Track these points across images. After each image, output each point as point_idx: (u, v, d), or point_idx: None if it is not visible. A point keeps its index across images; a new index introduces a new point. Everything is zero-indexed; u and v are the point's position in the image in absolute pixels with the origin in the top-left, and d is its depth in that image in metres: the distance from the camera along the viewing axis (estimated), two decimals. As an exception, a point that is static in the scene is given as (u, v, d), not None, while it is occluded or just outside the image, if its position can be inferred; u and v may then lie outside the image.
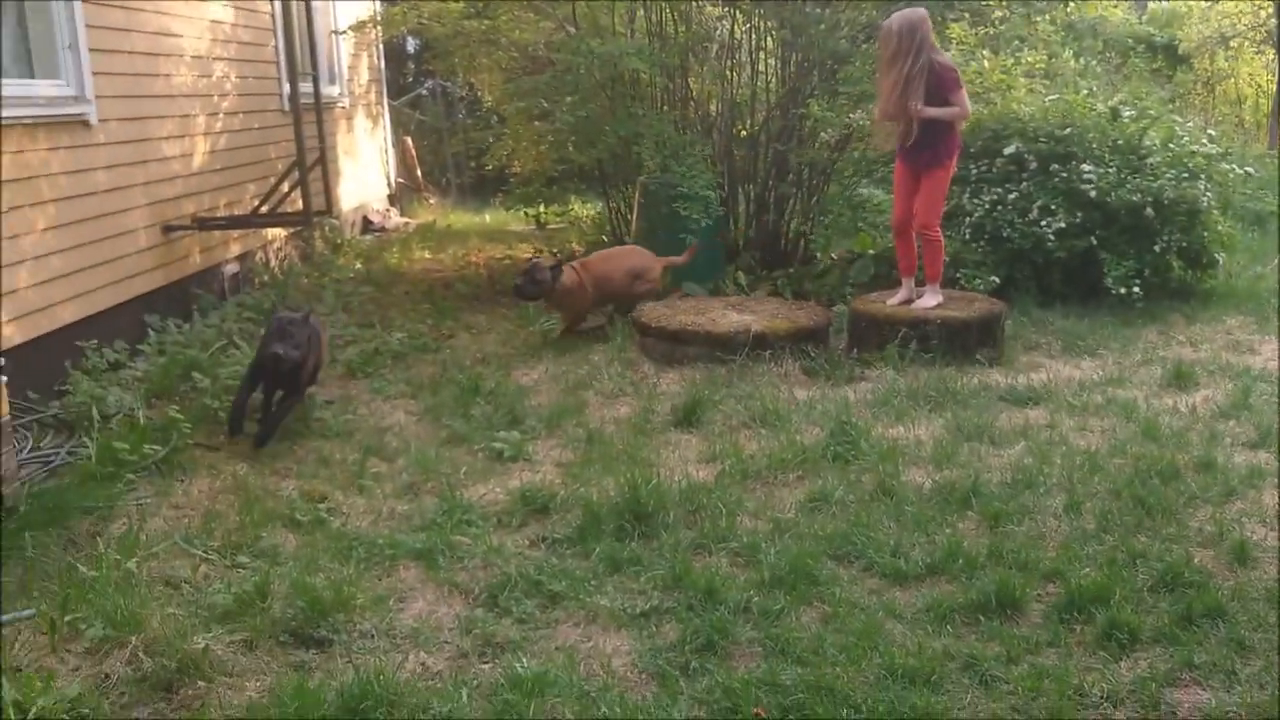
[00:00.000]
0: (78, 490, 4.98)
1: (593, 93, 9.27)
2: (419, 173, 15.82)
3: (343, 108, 12.59)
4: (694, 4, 9.69)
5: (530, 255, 8.01)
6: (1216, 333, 7.86)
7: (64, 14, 6.61)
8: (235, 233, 8.90)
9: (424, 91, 17.10)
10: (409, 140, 15.67)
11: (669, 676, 3.61)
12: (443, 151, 16.61)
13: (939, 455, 5.48)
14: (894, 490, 5.04)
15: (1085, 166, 8.47)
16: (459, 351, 7.68)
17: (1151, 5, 20.15)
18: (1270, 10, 17.16)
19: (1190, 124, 9.49)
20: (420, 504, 5.04)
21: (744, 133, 9.95)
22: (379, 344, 7.65)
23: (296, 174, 8.40)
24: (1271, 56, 17.81)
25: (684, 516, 4.82)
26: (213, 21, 8.74)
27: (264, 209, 8.61)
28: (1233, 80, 18.62)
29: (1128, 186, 8.35)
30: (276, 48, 9.94)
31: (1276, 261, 9.58)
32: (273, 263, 9.96)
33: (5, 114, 5.96)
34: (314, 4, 9.90)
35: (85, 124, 6.76)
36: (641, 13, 9.69)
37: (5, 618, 3.91)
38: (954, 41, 9.20)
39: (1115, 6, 14.39)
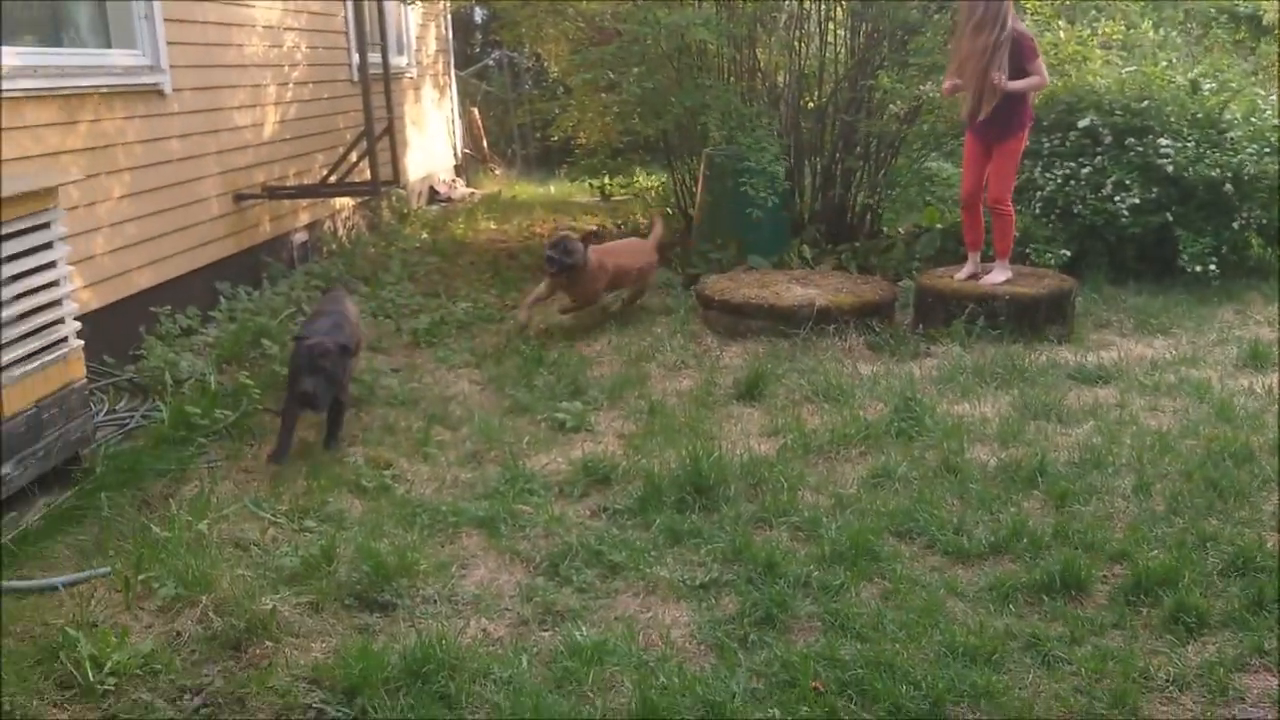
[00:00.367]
0: (151, 453, 5.10)
1: (659, 63, 9.22)
2: (485, 143, 15.90)
3: (410, 78, 12.66)
4: (762, -27, 9.59)
5: (558, 227, 7.73)
6: (1296, 312, 7.66)
7: (140, -15, 6.72)
8: (304, 202, 9.02)
9: (491, 62, 17.14)
10: (475, 111, 15.74)
11: (727, 648, 3.62)
12: (508, 122, 16.67)
13: (1005, 433, 5.41)
14: (958, 467, 4.98)
15: (1163, 141, 8.27)
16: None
17: (1235, -26, 19.55)
18: (1361, -21, 16.54)
19: (1274, 97, 9.19)
20: (483, 472, 5.09)
21: (811, 105, 9.84)
22: (444, 314, 7.71)
23: (364, 144, 8.48)
24: (1361, 27, 17.20)
25: (745, 490, 4.81)
26: (284, -8, 8.83)
27: (332, 179, 8.70)
28: (1320, 52, 18.01)
29: (1206, 161, 8.14)
30: (345, 18, 10.02)
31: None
32: (340, 232, 10.08)
33: (83, 83, 6.08)
34: (383, -26, 9.95)
35: (160, 93, 6.88)
36: (709, -18, 9.61)
37: (82, 575, 4.03)
38: (1028, 11, 9.00)
39: (1197, -25, 13.97)
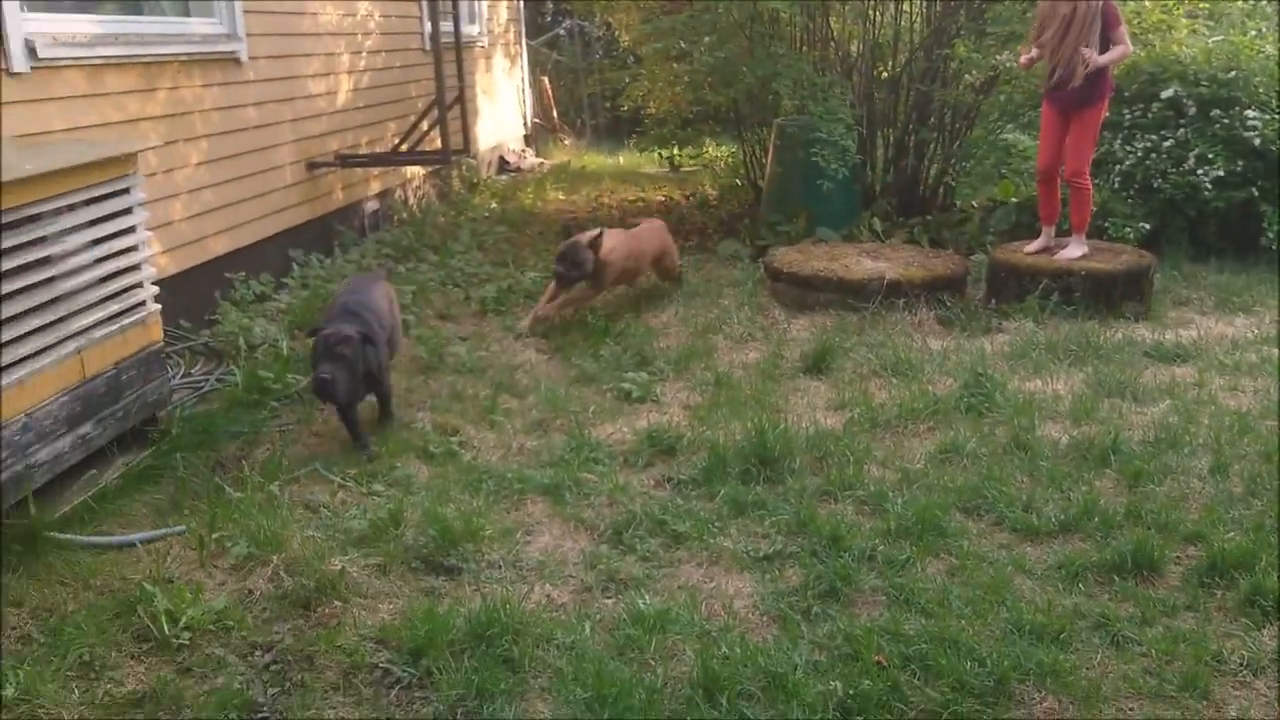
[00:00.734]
0: (225, 415, 5.21)
1: (731, 32, 9.14)
2: (555, 113, 15.90)
3: (482, 47, 12.69)
4: (837, -59, 9.44)
5: (567, 222, 7.25)
6: (1387, 292, 7.41)
7: (217, -47, 6.81)
8: (376, 170, 9.10)
9: (561, 31, 17.13)
10: (546, 80, 15.75)
11: (790, 620, 3.61)
12: (578, 92, 16.65)
13: (1078, 410, 5.31)
14: (1029, 444, 4.91)
15: (1250, 112, 8.03)
16: (590, 292, 7.72)
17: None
18: None
19: (1369, 68, 8.86)
20: (549, 441, 5.11)
21: (885, 74, 9.70)
22: (512, 283, 7.75)
23: (436, 113, 8.52)
24: None
25: (810, 463, 4.78)
26: (358, -39, 8.88)
27: (404, 147, 8.77)
28: None
29: (1295, 134, 7.88)
30: (418, -13, 10.07)
31: None
32: (411, 200, 10.16)
33: (162, 51, 6.18)
34: (455, -57, 9.96)
35: (236, 61, 6.97)
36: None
37: (159, 532, 4.13)
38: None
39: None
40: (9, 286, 3.96)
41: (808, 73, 8.63)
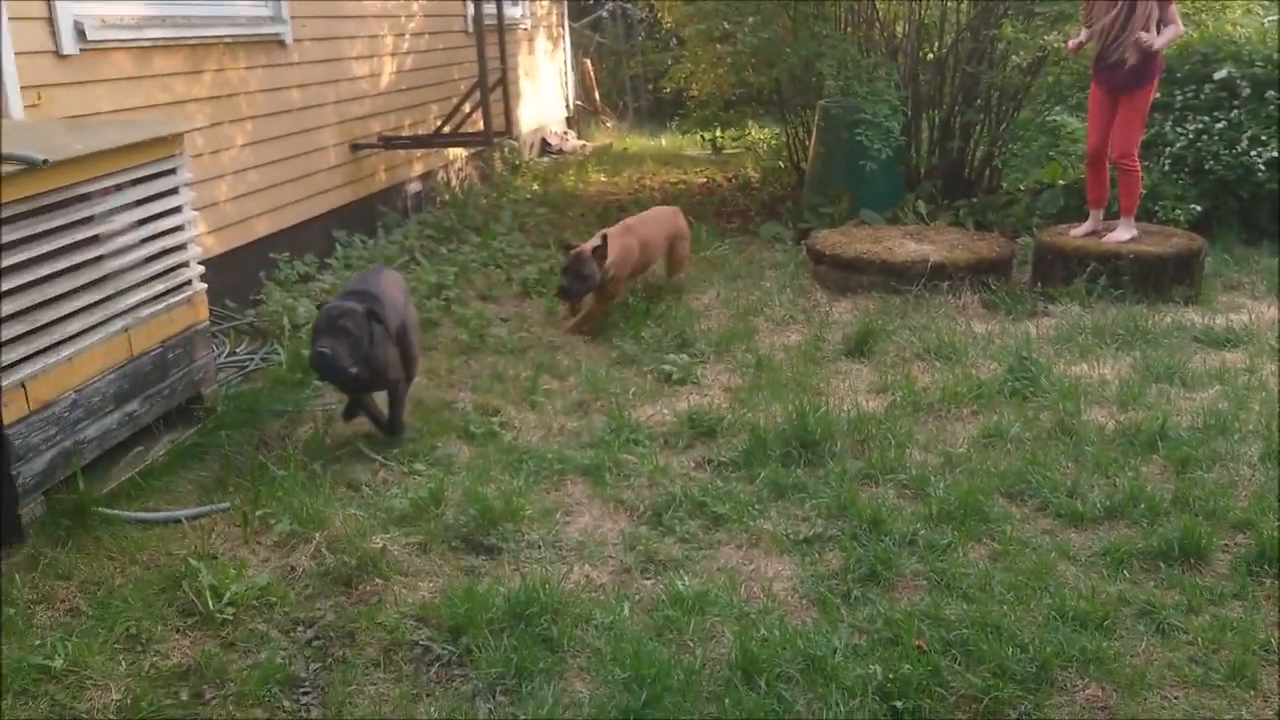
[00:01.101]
0: (269, 394, 5.26)
1: (775, 13, 9.07)
2: (597, 95, 15.88)
3: (524, 29, 12.68)
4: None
5: (569, 245, 6.50)
6: None
7: (263, -65, 6.84)
8: (419, 152, 9.13)
9: (604, 14, 17.07)
10: (588, 62, 15.72)
11: (830, 604, 3.59)
12: (621, 74, 16.61)
13: (1124, 395, 5.24)
14: (1074, 429, 4.85)
15: (1305, 93, 7.85)
16: (631, 274, 7.71)
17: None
18: None
19: None
20: (589, 422, 5.12)
21: (930, 56, 9.58)
22: (554, 264, 7.74)
23: (478, 95, 8.53)
24: None
25: (851, 446, 4.76)
26: (401, -58, 8.90)
27: (446, 129, 8.79)
28: None
29: (1353, 115, 7.70)
30: (461, -31, 10.07)
31: None
32: (453, 182, 10.19)
33: (208, 33, 6.23)
34: (499, -76, 9.96)
35: (281, 43, 7.01)
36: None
37: (204, 509, 4.18)
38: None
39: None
40: (58, 265, 4.01)
41: (852, 53, 8.55)
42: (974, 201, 8.86)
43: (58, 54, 5.15)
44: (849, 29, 9.36)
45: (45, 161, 3.79)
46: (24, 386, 3.83)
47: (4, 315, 3.76)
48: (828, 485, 4.39)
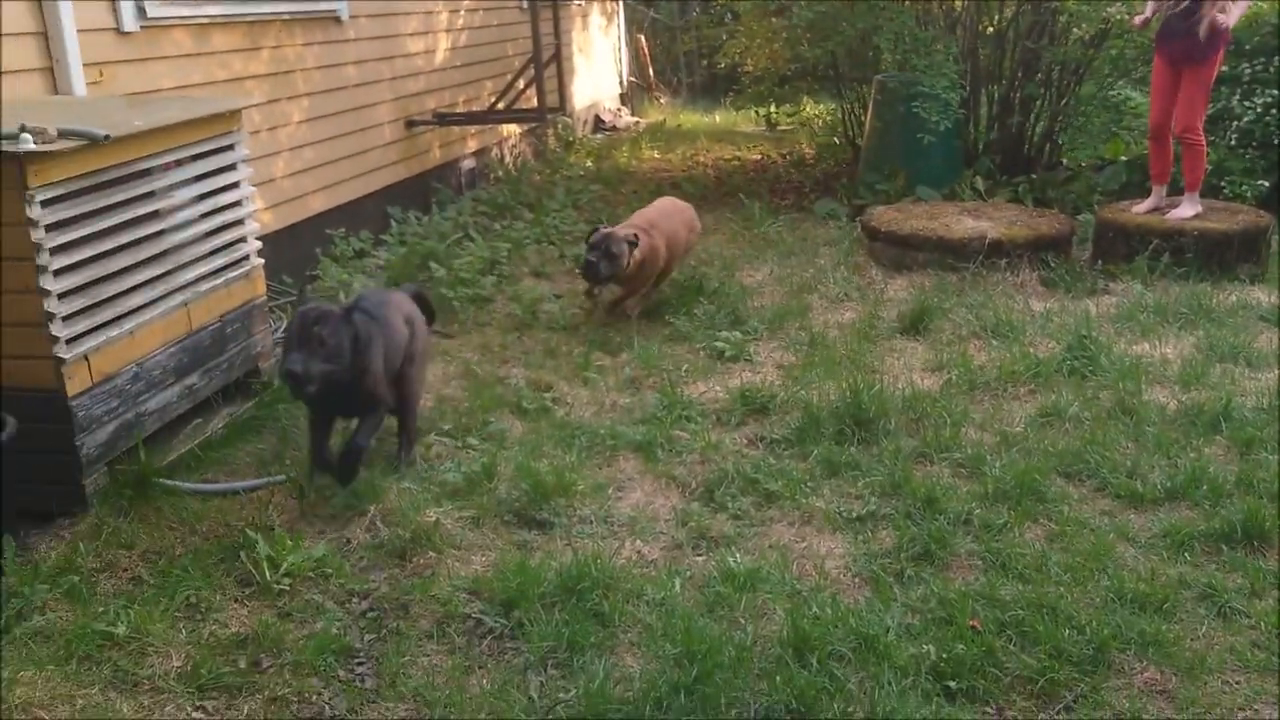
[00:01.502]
0: (325, 369, 5.30)
1: (831, -15, 8.95)
2: (651, 71, 15.80)
3: (579, 5, 12.65)
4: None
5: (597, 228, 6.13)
6: None
7: (319, -88, 6.87)
8: (473, 129, 9.16)
9: (658, -11, 16.97)
10: (642, 38, 15.64)
11: (883, 582, 3.57)
12: (675, 50, 16.52)
13: (1187, 375, 5.13)
14: (1134, 409, 4.76)
15: (1380, 66, 7.62)
16: (684, 250, 7.68)
17: None
18: None
19: None
20: (641, 398, 5.12)
21: (990, 29, 9.42)
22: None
23: (532, 71, 8.53)
24: None
25: (906, 424, 4.71)
26: (456, -82, 8.89)
27: (500, 105, 8.80)
28: None
29: None
30: (516, -56, 10.05)
31: None
32: (507, 159, 10.21)
33: (266, 10, 6.27)
34: (553, -101, 9.92)
35: (337, 20, 7.05)
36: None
37: (261, 481, 4.24)
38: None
39: None
40: (119, 240, 4.07)
41: (910, 26, 8.42)
42: (1033, 178, 8.71)
43: (119, 31, 5.22)
44: (906, 1, 9.21)
45: (107, 137, 3.85)
46: (87, 359, 3.90)
47: (67, 289, 3.82)
48: (881, 463, 4.35)
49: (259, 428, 4.71)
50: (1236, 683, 3.10)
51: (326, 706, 3.06)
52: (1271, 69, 8.00)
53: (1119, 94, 9.03)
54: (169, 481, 4.14)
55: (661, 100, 15.63)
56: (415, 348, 4.41)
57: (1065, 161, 9.31)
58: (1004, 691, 3.05)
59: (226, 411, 4.75)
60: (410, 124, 8.07)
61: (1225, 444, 4.47)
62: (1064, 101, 9.08)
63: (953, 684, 3.05)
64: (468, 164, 9.26)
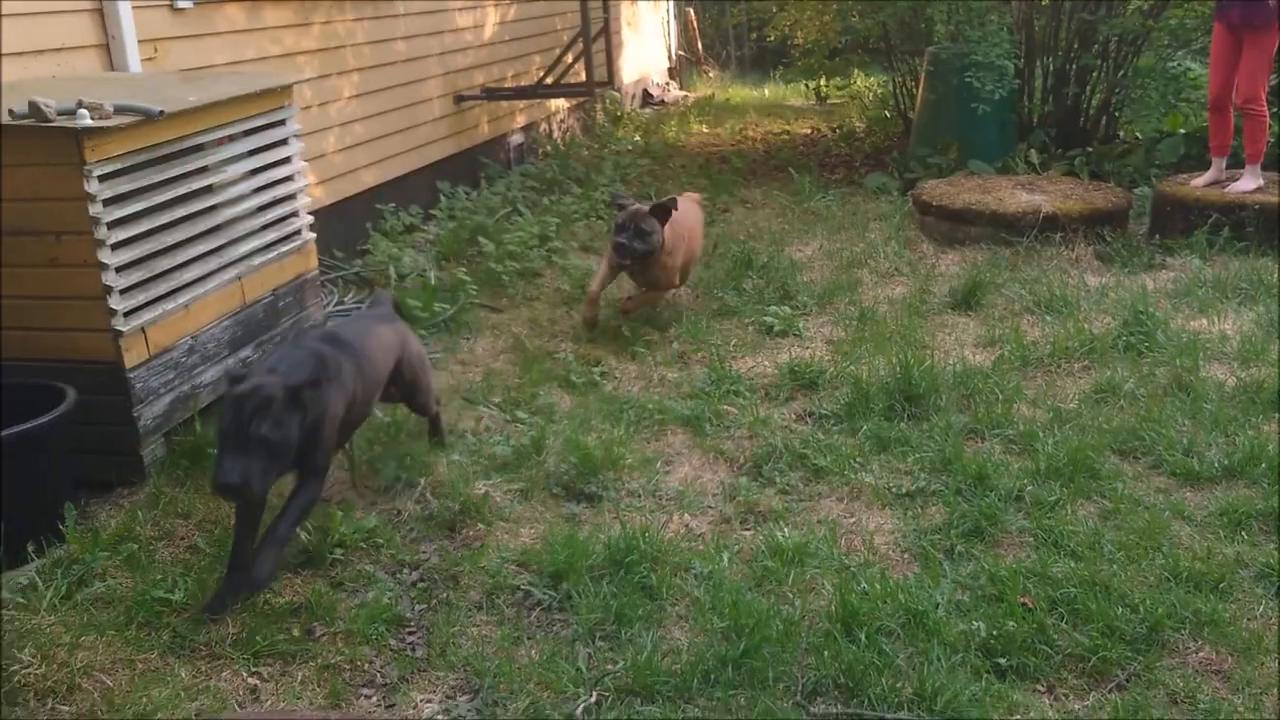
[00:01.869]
0: (376, 342, 5.35)
1: (883, -44, 8.84)
2: (699, 45, 15.70)
3: (627, -22, 12.58)
4: None
5: (616, 198, 5.86)
6: None
7: (368, -113, 6.88)
8: (521, 103, 9.16)
9: (707, -38, 16.83)
10: (691, 11, 15.54)
11: (932, 558, 3.54)
12: (724, 23, 16.40)
13: (1246, 352, 5.03)
14: (1191, 386, 4.68)
15: None
16: (732, 225, 7.66)
17: None
18: None
19: None
20: (689, 373, 5.11)
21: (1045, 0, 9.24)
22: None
23: (580, 45, 8.50)
24: None
25: (957, 400, 4.67)
26: (505, -108, 8.87)
27: (549, 80, 8.79)
28: None
29: None
30: (564, -83, 10.01)
31: None
32: (555, 134, 10.20)
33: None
34: None
35: (387, -5, 7.07)
36: None
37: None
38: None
39: None
40: (174, 214, 4.12)
41: (964, -4, 8.29)
42: (1089, 151, 8.55)
43: (173, 8, 5.27)
44: (960, -28, 9.07)
45: (161, 113, 3.89)
46: (144, 332, 3.96)
47: (124, 263, 3.88)
48: (932, 439, 4.32)
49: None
50: (1294, 663, 3.05)
51: (378, 674, 3.10)
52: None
53: (1178, 65, 8.83)
54: (223, 453, 4.19)
55: (710, 74, 15.53)
56: (410, 357, 4.07)
57: (1122, 134, 9.14)
58: (1055, 669, 3.02)
59: (279, 384, 4.80)
60: (459, 99, 8.08)
61: (1285, 422, 4.39)
62: (1121, 73, 8.90)
63: (1003, 661, 3.03)
64: (516, 139, 9.27)
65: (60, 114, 3.72)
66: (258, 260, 4.64)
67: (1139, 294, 5.75)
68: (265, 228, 4.72)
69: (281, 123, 4.79)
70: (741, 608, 3.22)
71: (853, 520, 3.83)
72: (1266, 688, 2.94)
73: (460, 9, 8.10)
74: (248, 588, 3.28)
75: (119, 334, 3.85)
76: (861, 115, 11.42)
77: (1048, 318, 5.60)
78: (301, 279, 4.97)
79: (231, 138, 4.48)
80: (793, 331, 5.58)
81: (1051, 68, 9.11)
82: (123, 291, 3.87)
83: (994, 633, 3.12)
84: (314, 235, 5.07)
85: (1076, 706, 2.90)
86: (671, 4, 14.72)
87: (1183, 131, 8.34)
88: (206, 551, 3.61)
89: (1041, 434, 4.31)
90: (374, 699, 3.01)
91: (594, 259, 6.88)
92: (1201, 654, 3.08)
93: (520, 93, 8.80)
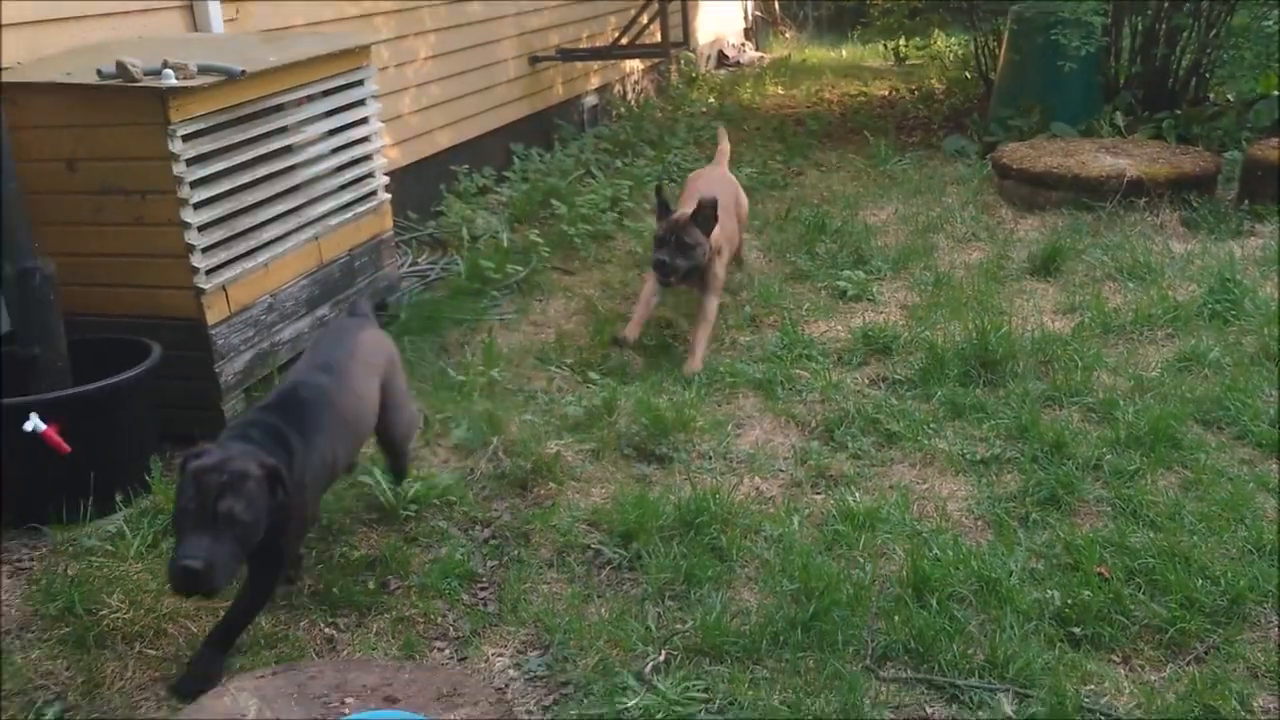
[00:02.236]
0: (449, 303, 5.42)
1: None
2: (776, 5, 15.50)
3: (703, -62, 12.43)
4: None
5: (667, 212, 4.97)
6: None
7: None
8: (595, 65, 9.12)
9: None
10: (768, -29, 15.33)
11: (1006, 526, 3.50)
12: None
13: (1339, 321, 4.88)
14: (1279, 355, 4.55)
15: None
16: (806, 189, 7.58)
17: None
18: None
19: None
20: (761, 336, 5.08)
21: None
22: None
23: (655, 6, 8.44)
24: None
25: (1034, 367, 4.59)
26: None
27: (624, 40, 8.74)
28: None
29: None
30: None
31: None
32: (629, 95, 10.16)
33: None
34: None
35: (463, -44, 7.07)
36: None
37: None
38: None
39: None
40: (255, 174, 4.19)
41: (1050, -47, 8.05)
42: (1177, 113, 8.29)
43: (253, -31, 5.32)
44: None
45: (243, 73, 3.95)
46: (225, 290, 4.04)
47: (206, 222, 3.95)
48: (1008, 406, 4.25)
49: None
50: (1382, 640, 2.97)
51: (451, 628, 3.15)
52: None
53: (1275, 24, 8.51)
54: (301, 409, 4.27)
55: (786, 35, 15.33)
56: (389, 384, 3.50)
57: (1212, 96, 8.85)
58: (1131, 640, 2.98)
59: (356, 343, 4.87)
60: (534, 60, 8.08)
61: (1378, 393, 4.25)
62: (1213, 33, 8.60)
63: (1077, 630, 2.99)
64: (590, 101, 9.25)
65: (146, 74, 3.79)
66: (335, 220, 4.70)
67: (1226, 261, 5.59)
68: (342, 188, 4.77)
69: (359, 83, 4.83)
70: (811, 571, 3.22)
71: (925, 486, 3.80)
72: (1352, 664, 2.87)
73: (535, -31, 8.08)
74: (205, 684, 2.72)
75: (201, 291, 3.93)
76: (941, 76, 11.20)
77: (1130, 284, 5.47)
78: (377, 239, 5.03)
79: (310, 98, 4.53)
80: (866, 296, 5.52)
81: (1140, 27, 8.84)
82: (204, 250, 3.95)
83: (1069, 602, 3.08)
84: (389, 196, 5.12)
85: (1153, 678, 2.86)
86: (748, -36, 14.54)
87: (1276, 94, 8.05)
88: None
89: (1122, 402, 4.22)
90: (446, 651, 3.07)
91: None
92: (1284, 628, 3.01)
93: (595, 53, 8.77)
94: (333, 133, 4.69)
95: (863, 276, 5.70)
